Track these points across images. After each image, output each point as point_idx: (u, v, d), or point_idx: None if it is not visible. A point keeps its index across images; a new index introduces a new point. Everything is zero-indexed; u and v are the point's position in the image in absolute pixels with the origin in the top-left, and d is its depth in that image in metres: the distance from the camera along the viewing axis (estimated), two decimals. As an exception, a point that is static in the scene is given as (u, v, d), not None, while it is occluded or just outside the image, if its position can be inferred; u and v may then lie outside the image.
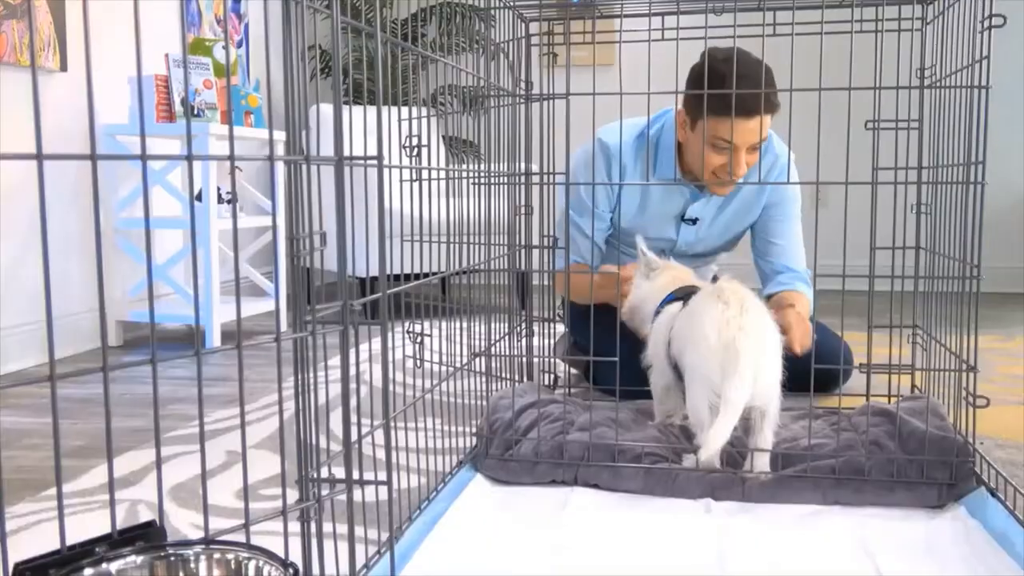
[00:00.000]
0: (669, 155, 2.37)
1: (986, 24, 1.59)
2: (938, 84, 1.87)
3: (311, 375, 1.09)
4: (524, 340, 2.32)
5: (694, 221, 2.44)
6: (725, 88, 1.93)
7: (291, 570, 0.95)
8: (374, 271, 3.54)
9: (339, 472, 1.15)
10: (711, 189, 2.35)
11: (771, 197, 2.45)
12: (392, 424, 1.22)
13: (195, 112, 3.34)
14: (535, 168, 2.17)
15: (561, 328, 2.74)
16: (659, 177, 2.37)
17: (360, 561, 1.30)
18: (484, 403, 2.02)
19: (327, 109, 3.89)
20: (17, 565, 0.88)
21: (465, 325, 2.07)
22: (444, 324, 2.00)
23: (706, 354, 1.67)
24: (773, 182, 2.37)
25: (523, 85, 2.20)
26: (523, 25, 2.26)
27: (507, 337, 2.24)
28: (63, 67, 3.12)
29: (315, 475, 1.11)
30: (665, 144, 2.38)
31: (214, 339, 3.31)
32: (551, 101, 2.02)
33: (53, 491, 1.79)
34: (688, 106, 2.24)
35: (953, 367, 1.76)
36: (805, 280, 2.44)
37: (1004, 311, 4.24)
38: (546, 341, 2.49)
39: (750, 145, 2.15)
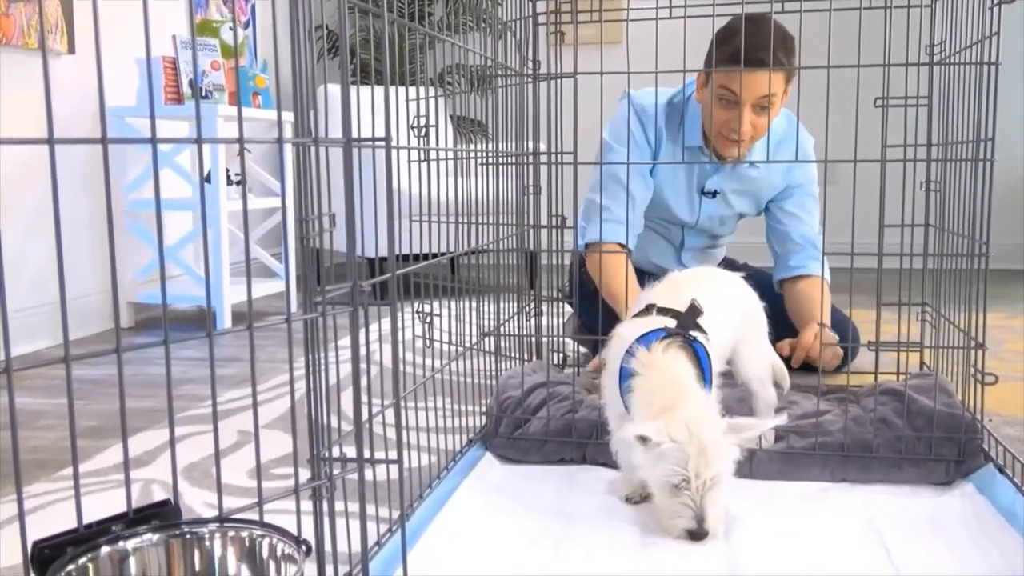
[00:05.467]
0: (696, 123, 2.36)
1: (996, 0, 1.58)
2: (947, 61, 1.86)
3: (322, 355, 1.10)
4: (533, 319, 2.33)
5: (714, 194, 2.43)
6: (736, 42, 1.93)
7: (304, 547, 0.97)
8: (383, 251, 3.55)
9: (350, 451, 1.16)
10: (720, 150, 2.32)
11: (792, 180, 2.44)
12: (402, 404, 1.23)
13: (203, 94, 3.34)
14: (543, 148, 2.17)
15: (569, 308, 2.74)
16: (685, 145, 2.37)
17: (371, 539, 1.31)
18: (493, 383, 2.03)
19: (335, 89, 3.89)
20: (36, 543, 0.89)
21: (474, 305, 2.08)
22: (453, 304, 2.01)
23: None
24: (779, 160, 2.36)
25: (530, 64, 2.20)
26: (530, 3, 2.25)
27: (516, 317, 2.24)
28: (71, 49, 3.13)
29: (327, 454, 1.12)
30: (692, 112, 2.37)
31: (225, 320, 3.32)
32: (559, 80, 2.02)
33: (67, 471, 1.81)
34: (706, 63, 2.24)
35: (961, 344, 1.76)
36: (816, 257, 2.42)
37: (1011, 288, 4.23)
38: (555, 320, 2.50)
39: (757, 100, 2.13)
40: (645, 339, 1.55)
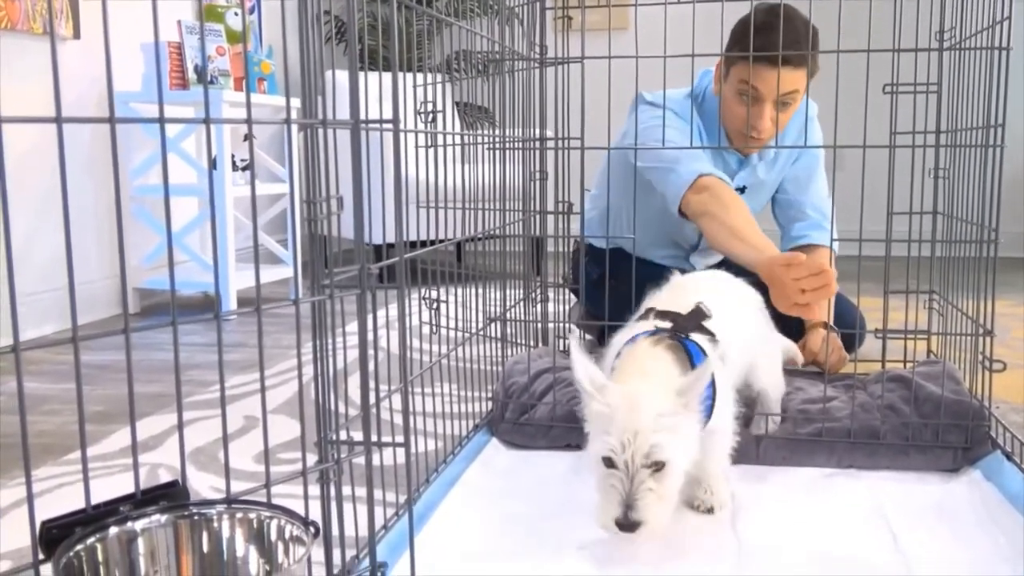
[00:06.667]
0: (714, 122, 2.31)
1: (1008, -16, 1.57)
2: (958, 46, 1.85)
3: (329, 339, 1.09)
4: (539, 306, 2.33)
5: (742, 190, 2.39)
6: (758, 36, 1.88)
7: (312, 528, 0.96)
8: (390, 238, 3.55)
9: (357, 436, 1.16)
10: (739, 147, 2.29)
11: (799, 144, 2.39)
12: (409, 388, 1.23)
13: (208, 79, 3.33)
14: (550, 133, 2.16)
15: (574, 296, 2.74)
16: (706, 142, 2.29)
17: (378, 522, 1.31)
18: (499, 368, 2.03)
19: (341, 76, 3.88)
20: (44, 523, 0.89)
21: (480, 291, 2.07)
22: (459, 290, 2.00)
23: None
24: (792, 145, 2.34)
25: (537, 49, 2.19)
26: (537, -11, 2.24)
27: (522, 303, 2.24)
28: (76, 35, 3.12)
29: (334, 437, 1.12)
30: (710, 111, 2.33)
31: (230, 305, 3.32)
32: (566, 65, 2.01)
33: (73, 455, 1.82)
34: (727, 56, 2.20)
35: (969, 331, 1.75)
36: (821, 224, 2.39)
37: (1018, 276, 4.22)
38: (561, 307, 2.50)
39: (775, 97, 2.09)
40: (633, 341, 1.45)
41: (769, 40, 1.87)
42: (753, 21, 1.92)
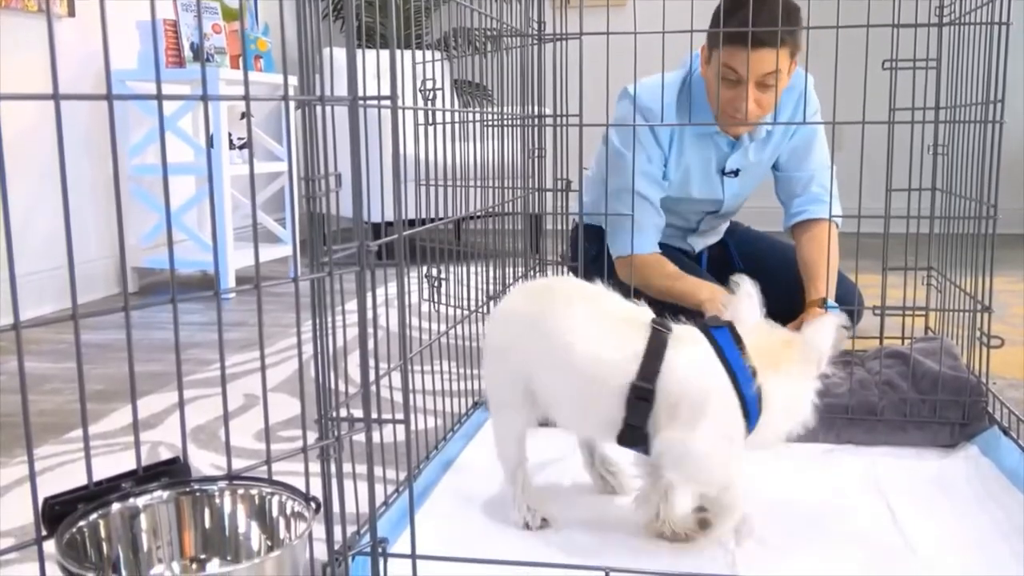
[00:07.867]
0: (704, 105, 2.26)
1: (1008, -42, 1.57)
2: (957, 21, 1.84)
3: (328, 317, 1.09)
4: (538, 283, 2.32)
5: (736, 173, 2.37)
6: (733, 17, 1.86)
7: (313, 504, 0.97)
8: (388, 216, 3.53)
9: (358, 413, 1.16)
10: (727, 130, 2.28)
11: (795, 117, 2.37)
12: (408, 366, 1.23)
13: (205, 57, 3.32)
14: (548, 110, 2.16)
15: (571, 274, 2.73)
16: (702, 132, 2.27)
17: (379, 499, 1.32)
18: (498, 346, 2.02)
19: (339, 53, 3.87)
20: (47, 500, 0.89)
21: (479, 269, 2.07)
22: (458, 268, 2.00)
23: None
24: (788, 122, 2.33)
25: (535, 25, 2.18)
26: (535, -36, 2.22)
27: (521, 280, 2.24)
28: (71, 12, 3.10)
29: (334, 415, 1.12)
30: (700, 93, 2.30)
31: (229, 284, 3.33)
32: (564, 42, 2.00)
33: (75, 434, 1.82)
34: (707, 38, 2.18)
35: (968, 308, 1.76)
36: (820, 197, 2.36)
37: (1016, 252, 4.22)
38: (559, 285, 2.49)
39: (760, 78, 2.08)
40: (721, 335, 1.29)
41: (744, 21, 1.84)
42: (729, 3, 1.90)
